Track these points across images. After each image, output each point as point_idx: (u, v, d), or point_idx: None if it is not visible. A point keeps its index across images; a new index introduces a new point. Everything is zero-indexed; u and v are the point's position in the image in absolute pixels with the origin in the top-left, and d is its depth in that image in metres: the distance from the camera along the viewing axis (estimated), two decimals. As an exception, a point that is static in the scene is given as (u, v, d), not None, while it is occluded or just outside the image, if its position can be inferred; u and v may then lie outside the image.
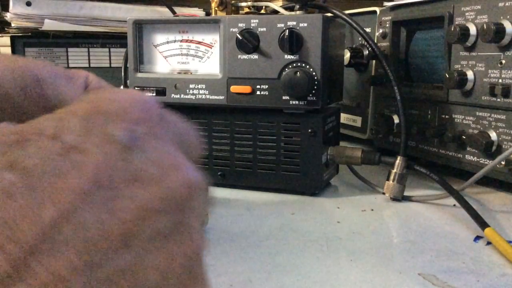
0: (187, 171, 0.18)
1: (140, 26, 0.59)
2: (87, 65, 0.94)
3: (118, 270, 0.16)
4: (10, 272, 0.15)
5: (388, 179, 0.55)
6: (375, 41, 0.69)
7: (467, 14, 0.56)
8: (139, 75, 0.60)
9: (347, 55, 0.73)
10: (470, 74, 0.56)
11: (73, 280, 0.15)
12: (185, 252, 0.18)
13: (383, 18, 0.71)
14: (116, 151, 0.16)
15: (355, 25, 0.58)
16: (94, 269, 0.15)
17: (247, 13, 0.62)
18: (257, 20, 0.54)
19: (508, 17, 0.51)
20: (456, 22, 0.57)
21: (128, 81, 0.61)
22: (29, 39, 0.91)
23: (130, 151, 0.17)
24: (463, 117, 0.58)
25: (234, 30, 0.55)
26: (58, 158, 0.16)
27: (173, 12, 0.89)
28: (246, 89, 0.56)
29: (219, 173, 0.59)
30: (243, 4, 0.62)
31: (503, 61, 0.52)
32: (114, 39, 0.95)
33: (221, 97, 0.57)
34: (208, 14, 0.98)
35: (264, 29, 0.54)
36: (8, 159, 0.16)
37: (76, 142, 0.16)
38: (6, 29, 0.92)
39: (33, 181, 0.15)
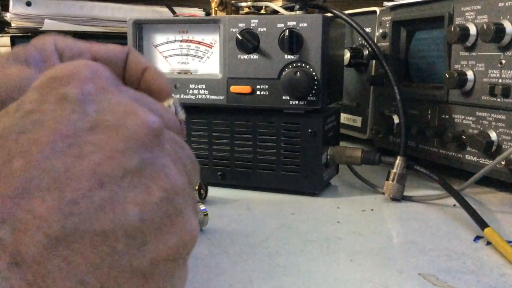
0: (143, 114, 0.19)
1: (140, 26, 0.59)
2: (87, 65, 0.93)
3: (96, 207, 0.17)
4: None
5: (387, 179, 0.55)
6: (375, 41, 0.69)
7: (467, 14, 0.56)
8: (139, 75, 0.60)
9: (347, 55, 0.73)
10: (470, 74, 0.56)
11: (51, 216, 0.16)
12: (162, 186, 0.19)
13: (383, 18, 0.71)
14: (70, 107, 0.18)
15: (355, 25, 0.58)
16: (71, 207, 0.17)
17: (247, 13, 0.62)
18: (257, 20, 0.54)
19: (508, 17, 0.51)
20: (456, 22, 0.57)
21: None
22: (29, 39, 0.90)
23: (83, 105, 0.18)
24: (463, 117, 0.58)
25: (234, 30, 0.55)
26: (20, 121, 0.18)
27: (173, 12, 0.89)
28: (246, 89, 0.56)
29: (219, 173, 0.59)
30: (243, 4, 0.62)
31: (503, 61, 0.52)
32: (114, 39, 0.95)
33: (221, 97, 0.57)
34: (208, 14, 0.98)
35: (264, 29, 0.54)
36: None
37: (34, 106, 0.18)
38: (6, 29, 0.92)
39: (0, 142, 0.17)
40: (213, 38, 0.57)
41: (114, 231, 0.17)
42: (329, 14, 0.57)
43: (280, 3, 0.61)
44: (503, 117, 0.53)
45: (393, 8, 0.69)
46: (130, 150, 0.18)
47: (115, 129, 0.18)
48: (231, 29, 0.55)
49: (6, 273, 0.15)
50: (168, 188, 0.19)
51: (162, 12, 0.97)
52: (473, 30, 0.54)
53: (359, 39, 0.76)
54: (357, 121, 0.79)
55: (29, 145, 0.17)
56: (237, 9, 0.63)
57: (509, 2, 0.51)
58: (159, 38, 0.59)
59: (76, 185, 0.17)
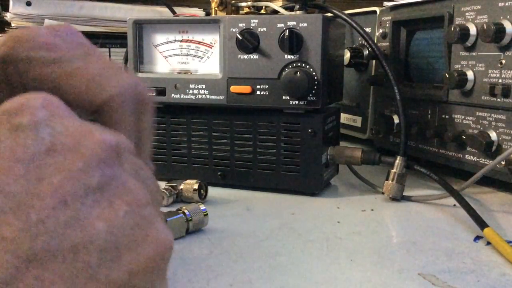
0: (99, 135, 0.20)
1: (140, 26, 0.59)
2: (87, 65, 0.93)
3: (62, 225, 0.17)
4: None
5: (387, 179, 0.55)
6: (375, 41, 0.69)
7: (467, 14, 0.56)
8: (139, 75, 0.60)
9: (347, 55, 0.73)
10: (470, 74, 0.56)
11: (19, 238, 0.17)
12: (126, 200, 0.19)
13: (383, 18, 0.71)
14: (24, 134, 0.18)
15: (355, 25, 0.58)
16: (38, 227, 0.17)
17: (247, 13, 0.62)
18: (257, 20, 0.54)
19: (508, 17, 0.51)
20: (456, 22, 0.57)
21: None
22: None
23: (37, 130, 0.19)
24: (463, 117, 0.58)
25: (234, 30, 0.55)
26: None
27: (173, 12, 0.89)
28: (246, 89, 0.56)
29: (219, 173, 0.59)
30: (243, 4, 0.62)
31: (503, 61, 0.52)
32: (114, 39, 0.95)
33: (221, 97, 0.57)
34: (208, 14, 0.98)
35: (264, 29, 0.54)
36: None
37: None
38: (6, 29, 0.92)
39: None
40: (213, 38, 0.57)
41: (85, 245, 0.18)
42: (329, 14, 0.57)
43: (280, 3, 0.61)
44: (503, 117, 0.53)
45: (393, 8, 0.69)
46: (90, 168, 0.19)
47: (73, 150, 0.19)
48: (231, 29, 0.55)
49: None
50: (131, 201, 0.19)
51: (162, 12, 0.97)
52: (473, 30, 0.54)
53: (359, 39, 0.76)
54: (357, 121, 0.79)
55: None
56: (237, 9, 0.63)
57: (509, 2, 0.51)
58: (159, 38, 0.59)
59: (40, 206, 0.17)
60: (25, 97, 0.20)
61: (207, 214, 0.44)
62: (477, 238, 0.44)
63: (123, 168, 0.20)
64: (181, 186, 0.53)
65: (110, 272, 0.18)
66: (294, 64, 0.54)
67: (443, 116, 0.61)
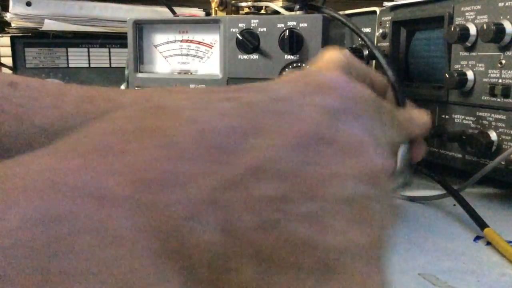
0: (374, 155, 0.19)
1: (140, 26, 0.59)
2: (87, 65, 0.94)
3: (304, 216, 0.16)
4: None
5: (388, 179, 0.55)
6: (375, 41, 0.69)
7: (467, 14, 0.56)
8: (139, 75, 0.60)
9: (347, 55, 0.72)
10: (470, 74, 0.56)
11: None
12: (383, 226, 0.20)
13: (383, 18, 0.71)
14: (324, 116, 0.18)
15: (355, 28, 0.58)
16: (287, 204, 0.15)
17: (247, 13, 0.62)
18: (257, 20, 0.54)
19: (508, 17, 0.51)
20: (456, 22, 0.57)
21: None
22: (29, 39, 0.91)
23: (336, 119, 0.18)
24: (463, 117, 0.58)
25: (234, 30, 0.55)
26: (270, 103, 0.18)
27: (173, 12, 0.89)
28: (246, 89, 0.55)
29: (219, 173, 0.59)
30: (243, 4, 0.62)
31: (503, 61, 0.52)
32: (114, 39, 0.95)
33: (221, 97, 0.57)
34: (208, 14, 0.98)
35: (264, 29, 0.54)
36: (227, 96, 0.19)
37: (288, 95, 0.18)
38: (6, 29, 0.92)
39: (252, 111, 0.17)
40: (213, 38, 0.57)
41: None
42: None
43: (280, 3, 0.61)
44: (503, 117, 0.53)
45: (393, 8, 0.69)
46: (363, 182, 0.18)
47: (354, 157, 0.18)
48: (231, 29, 0.55)
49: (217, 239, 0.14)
50: (379, 231, 0.20)
51: (162, 12, 0.97)
52: (473, 30, 0.54)
53: (359, 39, 0.76)
54: (357, 121, 0.79)
55: (277, 132, 0.16)
56: (237, 9, 0.63)
57: (509, 2, 0.51)
58: (159, 38, 0.59)
59: (292, 193, 0.16)
60: (334, 77, 0.20)
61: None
62: (477, 238, 0.44)
63: (382, 193, 0.20)
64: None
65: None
66: (294, 64, 0.54)
67: (443, 116, 0.61)
